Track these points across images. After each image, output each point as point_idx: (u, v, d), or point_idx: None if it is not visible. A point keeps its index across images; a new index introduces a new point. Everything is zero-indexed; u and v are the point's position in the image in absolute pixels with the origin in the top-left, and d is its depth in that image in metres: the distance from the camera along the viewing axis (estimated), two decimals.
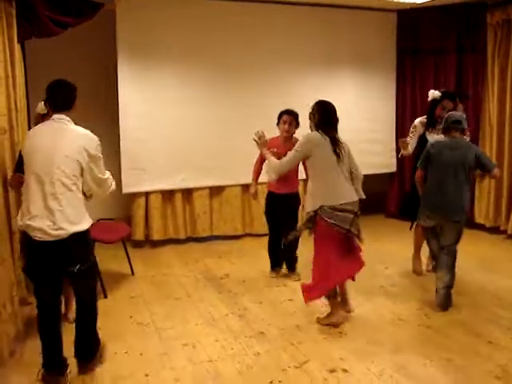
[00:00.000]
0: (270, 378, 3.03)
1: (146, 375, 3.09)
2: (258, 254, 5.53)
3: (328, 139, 3.68)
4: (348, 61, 6.87)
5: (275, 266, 5.03)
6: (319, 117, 3.77)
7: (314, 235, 3.74)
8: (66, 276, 3.05)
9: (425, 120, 4.81)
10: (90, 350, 3.19)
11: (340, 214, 3.56)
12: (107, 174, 3.17)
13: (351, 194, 3.69)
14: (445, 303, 4.01)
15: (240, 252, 5.87)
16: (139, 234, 6.06)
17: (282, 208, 4.78)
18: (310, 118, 3.85)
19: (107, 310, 4.09)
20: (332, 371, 3.11)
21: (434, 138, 4.56)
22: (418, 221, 4.44)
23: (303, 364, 3.20)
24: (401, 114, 7.29)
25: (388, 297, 4.34)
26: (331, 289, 3.73)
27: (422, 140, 4.70)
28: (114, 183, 3.28)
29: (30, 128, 5.03)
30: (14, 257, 3.66)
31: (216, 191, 6.41)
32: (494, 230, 6.36)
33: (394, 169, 7.36)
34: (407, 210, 4.92)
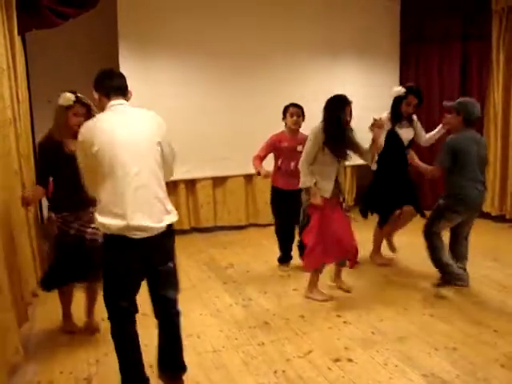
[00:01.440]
0: (274, 368, 3.03)
1: (151, 366, 3.09)
2: (262, 244, 5.53)
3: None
4: (351, 48, 6.82)
5: (287, 259, 4.94)
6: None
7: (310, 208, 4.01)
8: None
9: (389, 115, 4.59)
10: (181, 359, 2.89)
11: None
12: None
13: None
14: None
15: (244, 242, 5.87)
16: None
17: (292, 203, 4.49)
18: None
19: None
20: (336, 361, 3.11)
21: (404, 131, 4.57)
22: (437, 223, 4.14)
23: (307, 354, 3.20)
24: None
25: (392, 286, 4.34)
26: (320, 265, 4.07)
27: (392, 135, 4.50)
28: None
29: (32, 120, 5.04)
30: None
31: (219, 181, 6.41)
32: (500, 219, 6.34)
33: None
34: (369, 203, 4.79)
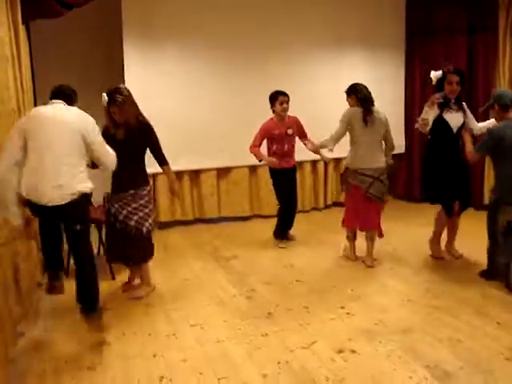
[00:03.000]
0: (277, 359, 3.03)
1: (154, 355, 3.10)
2: (266, 234, 5.52)
3: (361, 110, 4.38)
4: (357, 41, 6.80)
5: (285, 233, 5.40)
6: (358, 95, 4.45)
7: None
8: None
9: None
10: (93, 299, 3.50)
11: (359, 177, 4.45)
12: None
13: (372, 162, 4.44)
14: None
15: (248, 233, 5.87)
16: None
17: (293, 178, 5.31)
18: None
19: (115, 292, 4.12)
20: (340, 352, 3.11)
21: (452, 117, 4.34)
22: (494, 220, 4.00)
23: (311, 345, 3.20)
24: (410, 94, 7.22)
25: (396, 278, 4.33)
26: (347, 228, 4.75)
27: (440, 121, 4.34)
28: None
29: None
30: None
31: (223, 172, 6.40)
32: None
33: (402, 150, 7.30)
34: (441, 195, 4.51)
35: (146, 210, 3.89)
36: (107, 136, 3.62)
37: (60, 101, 3.36)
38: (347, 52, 6.79)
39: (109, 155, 3.44)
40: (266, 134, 5.11)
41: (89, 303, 3.49)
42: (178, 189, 4.53)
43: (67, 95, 3.44)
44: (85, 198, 3.30)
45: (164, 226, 6.15)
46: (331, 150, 4.57)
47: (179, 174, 6.14)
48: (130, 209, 3.82)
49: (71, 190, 3.18)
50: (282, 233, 5.39)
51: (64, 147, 3.19)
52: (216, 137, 6.09)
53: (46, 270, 3.50)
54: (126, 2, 5.51)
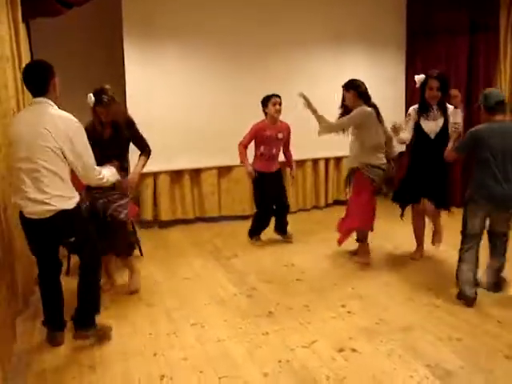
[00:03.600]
0: (278, 358, 3.03)
1: (155, 354, 3.11)
2: (267, 233, 5.52)
3: (374, 112, 4.42)
4: (358, 40, 6.79)
5: (258, 233, 5.43)
6: (358, 91, 4.45)
7: (354, 184, 4.59)
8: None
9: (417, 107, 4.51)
10: (87, 314, 3.24)
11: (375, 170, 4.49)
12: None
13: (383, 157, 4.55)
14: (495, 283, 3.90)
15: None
16: (147, 215, 6.07)
17: (276, 182, 5.24)
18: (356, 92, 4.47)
19: (116, 290, 4.12)
20: (340, 351, 3.11)
21: (428, 125, 4.38)
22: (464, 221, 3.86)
23: (312, 344, 3.20)
24: (411, 94, 7.19)
25: (397, 277, 4.33)
26: (367, 227, 4.66)
27: (418, 128, 4.43)
28: (107, 178, 3.34)
29: None
30: None
31: (224, 171, 6.40)
32: None
33: (403, 149, 7.28)
34: (400, 196, 4.67)
35: (126, 203, 3.97)
36: (93, 135, 3.56)
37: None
38: (348, 51, 6.78)
39: None
40: (256, 134, 5.08)
41: (82, 317, 3.21)
42: (135, 184, 4.24)
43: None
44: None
45: (165, 224, 6.15)
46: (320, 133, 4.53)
47: (180, 173, 6.15)
48: (117, 205, 3.85)
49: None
50: (254, 232, 5.44)
51: None
52: (216, 136, 6.08)
53: (45, 324, 3.29)
54: (126, 0, 5.50)
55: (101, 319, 3.37)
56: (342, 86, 4.60)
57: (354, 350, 3.11)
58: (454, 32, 6.74)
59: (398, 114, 7.05)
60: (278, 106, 4.99)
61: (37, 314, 3.66)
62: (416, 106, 4.51)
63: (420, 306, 3.73)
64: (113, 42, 5.74)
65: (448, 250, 4.53)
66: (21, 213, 3.03)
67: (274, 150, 5.14)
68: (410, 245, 5.02)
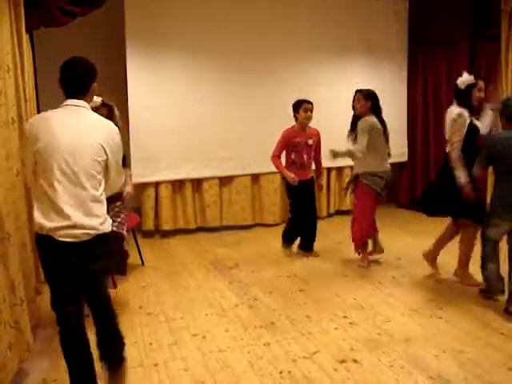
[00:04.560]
0: (279, 369, 3.02)
1: (156, 365, 3.09)
2: (268, 243, 5.51)
3: (380, 123, 4.59)
4: (359, 50, 6.82)
5: (291, 242, 5.32)
6: (378, 103, 4.66)
7: (357, 192, 4.76)
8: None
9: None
10: (119, 350, 2.84)
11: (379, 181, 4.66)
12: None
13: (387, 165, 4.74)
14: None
15: (250, 242, 5.85)
16: (149, 224, 6.07)
17: (308, 192, 5.15)
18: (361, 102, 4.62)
19: (117, 300, 4.10)
20: (342, 362, 3.09)
21: (478, 123, 4.09)
22: (486, 228, 3.85)
23: (313, 354, 3.19)
24: (412, 103, 7.23)
25: (400, 287, 4.31)
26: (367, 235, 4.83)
27: (473, 128, 4.06)
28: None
29: None
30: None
31: (226, 181, 6.40)
32: None
33: (405, 158, 7.30)
34: (431, 203, 4.38)
35: (124, 218, 3.88)
36: None
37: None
38: (350, 62, 6.80)
39: None
40: (287, 142, 4.99)
41: (116, 357, 2.82)
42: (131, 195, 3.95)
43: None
44: None
45: (166, 234, 6.14)
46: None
47: (182, 183, 6.15)
48: (119, 219, 3.76)
49: None
50: (289, 239, 5.32)
51: None
52: (218, 146, 6.09)
53: None
54: (129, 11, 5.53)
55: None
56: (359, 92, 4.67)
57: (355, 361, 3.09)
58: (455, 42, 6.78)
59: (399, 123, 7.12)
60: (309, 113, 4.93)
61: (38, 321, 3.65)
62: (461, 110, 4.05)
63: (423, 317, 3.71)
64: (115, 53, 5.77)
65: (451, 261, 4.50)
66: (45, 236, 2.45)
67: (305, 157, 5.05)
68: (411, 255, 5.01)
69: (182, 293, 4.31)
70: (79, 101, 2.59)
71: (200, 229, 6.36)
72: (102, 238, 2.53)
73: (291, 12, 6.32)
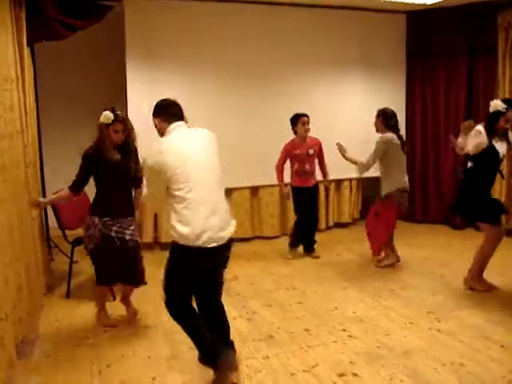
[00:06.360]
0: (278, 383, 3.00)
1: (153, 378, 3.07)
2: (267, 256, 5.51)
3: (398, 139, 4.89)
4: (358, 64, 6.84)
5: (296, 244, 5.64)
6: (391, 121, 4.93)
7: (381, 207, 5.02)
8: None
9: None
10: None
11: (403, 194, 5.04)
12: None
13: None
14: None
15: (249, 255, 5.84)
16: (148, 237, 6.06)
17: (311, 197, 5.50)
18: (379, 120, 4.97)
19: (115, 313, 4.09)
20: (341, 375, 3.07)
21: (499, 146, 4.23)
22: None
23: (312, 368, 3.17)
24: (411, 116, 7.24)
25: (398, 300, 4.30)
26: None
27: (491, 150, 4.21)
28: None
29: (39, 130, 5.07)
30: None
31: (225, 194, 6.36)
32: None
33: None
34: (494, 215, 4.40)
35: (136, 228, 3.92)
36: (97, 157, 3.57)
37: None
38: (348, 75, 6.82)
39: None
40: (288, 154, 5.39)
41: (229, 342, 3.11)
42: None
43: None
44: None
45: (165, 246, 6.11)
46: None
47: None
48: (130, 231, 3.76)
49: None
50: (295, 242, 5.61)
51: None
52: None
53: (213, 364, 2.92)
54: (129, 24, 5.57)
55: (100, 341, 3.34)
56: (377, 111, 5.07)
57: (355, 375, 3.08)
58: (452, 54, 6.82)
59: None
60: (306, 126, 5.26)
61: (36, 334, 3.64)
62: (482, 127, 4.25)
63: (422, 330, 3.69)
64: (115, 66, 5.81)
65: (451, 274, 4.51)
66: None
67: (308, 166, 5.40)
68: (409, 267, 5.01)
69: None
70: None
71: None
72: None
73: (289, 25, 6.35)
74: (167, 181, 2.73)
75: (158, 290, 4.60)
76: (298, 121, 5.25)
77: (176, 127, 2.98)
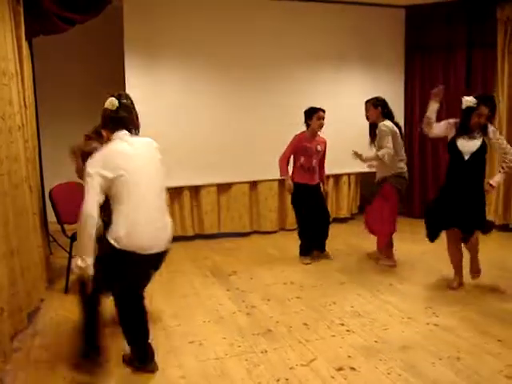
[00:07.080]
0: (277, 376, 3.01)
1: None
2: (266, 251, 5.51)
3: (396, 127, 4.82)
4: (356, 58, 6.84)
5: (310, 251, 5.33)
6: (387, 109, 4.86)
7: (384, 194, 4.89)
8: None
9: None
10: None
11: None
12: None
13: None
14: None
15: (248, 249, 5.86)
16: None
17: (317, 195, 5.29)
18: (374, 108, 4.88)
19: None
20: (340, 369, 3.09)
21: (464, 144, 4.13)
22: None
23: (311, 362, 3.18)
24: (410, 110, 7.24)
25: (397, 295, 4.31)
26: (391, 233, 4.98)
27: (452, 147, 4.19)
28: None
29: (38, 125, 5.07)
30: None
31: (224, 188, 6.41)
32: (504, 228, 6.31)
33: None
34: (433, 219, 4.37)
35: None
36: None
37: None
38: (347, 70, 6.82)
39: None
40: (298, 144, 5.14)
41: None
42: None
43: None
44: None
45: None
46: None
47: (179, 190, 6.16)
48: None
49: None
50: (306, 250, 5.33)
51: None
52: (216, 153, 6.11)
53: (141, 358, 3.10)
54: (127, 18, 5.56)
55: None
56: (368, 102, 4.93)
57: (353, 369, 3.09)
58: (451, 48, 6.83)
59: None
60: (322, 121, 5.09)
61: (35, 329, 3.65)
62: (456, 120, 4.26)
63: (420, 325, 3.71)
64: (114, 61, 5.80)
65: (449, 269, 4.52)
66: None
67: (314, 162, 5.20)
68: (407, 262, 5.02)
69: (179, 300, 4.31)
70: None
71: (198, 236, 6.36)
72: None
73: (289, 22, 6.35)
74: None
75: (157, 284, 4.63)
76: (313, 115, 5.06)
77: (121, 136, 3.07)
